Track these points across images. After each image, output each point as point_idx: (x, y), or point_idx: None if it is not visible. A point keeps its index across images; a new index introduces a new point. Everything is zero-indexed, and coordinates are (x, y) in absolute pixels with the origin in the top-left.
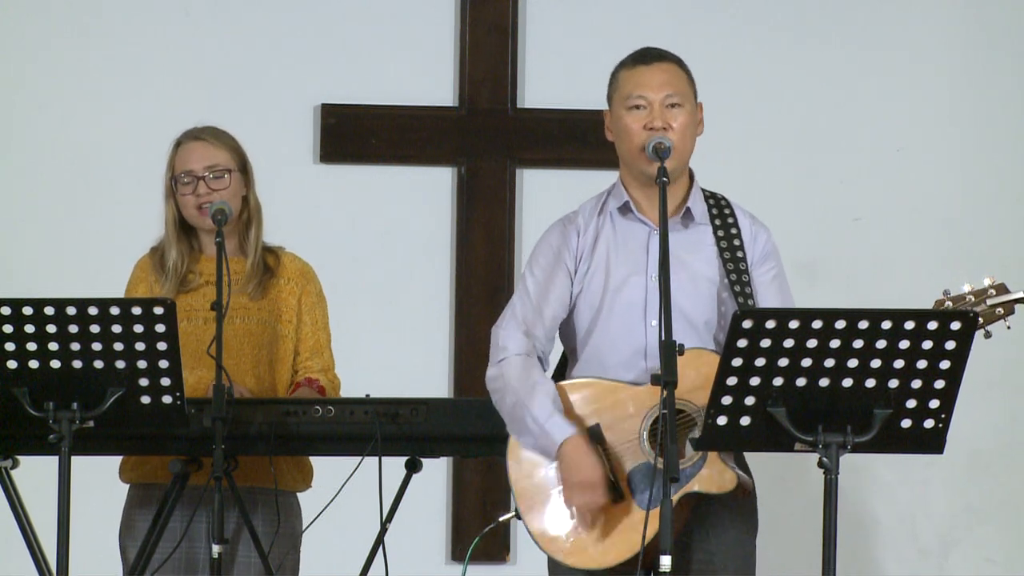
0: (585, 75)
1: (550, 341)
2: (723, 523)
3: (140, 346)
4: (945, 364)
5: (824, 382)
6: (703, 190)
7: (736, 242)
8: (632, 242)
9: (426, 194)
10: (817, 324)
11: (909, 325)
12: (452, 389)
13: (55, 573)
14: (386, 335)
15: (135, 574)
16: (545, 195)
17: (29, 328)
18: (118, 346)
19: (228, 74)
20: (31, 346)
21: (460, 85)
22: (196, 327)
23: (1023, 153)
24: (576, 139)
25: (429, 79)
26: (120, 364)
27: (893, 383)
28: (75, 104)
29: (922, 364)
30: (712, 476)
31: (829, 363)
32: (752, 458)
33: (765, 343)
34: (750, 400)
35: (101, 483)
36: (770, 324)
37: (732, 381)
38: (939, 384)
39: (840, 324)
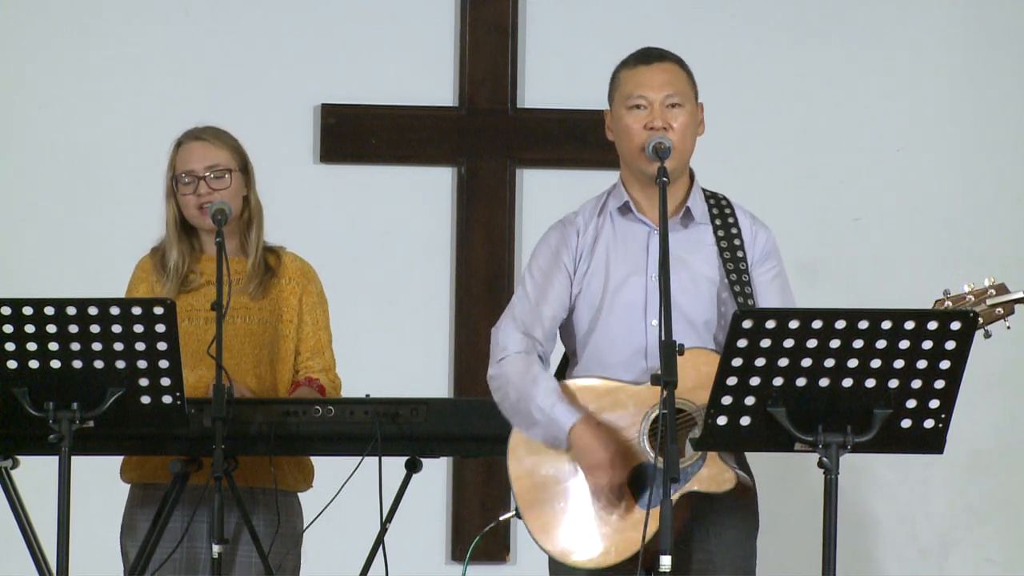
0: (585, 75)
1: (550, 342)
2: (723, 523)
3: (140, 346)
4: (945, 364)
5: (824, 382)
6: (704, 190)
7: (736, 242)
8: (632, 242)
9: (426, 194)
10: (817, 324)
11: (909, 325)
12: (452, 389)
13: (55, 573)
14: (386, 335)
15: (135, 574)
16: (545, 195)
17: (29, 328)
18: (118, 346)
19: (228, 74)
20: (31, 346)
21: (460, 85)
22: (197, 327)
23: (1023, 153)
24: (576, 139)
25: (429, 79)
26: (120, 364)
27: (893, 383)
28: (75, 104)
29: (922, 364)
30: (711, 475)
31: (829, 363)
32: (752, 458)
33: (765, 343)
34: (750, 400)
35: (101, 483)
36: (770, 324)
37: (732, 381)
38: (939, 384)
39: (840, 324)
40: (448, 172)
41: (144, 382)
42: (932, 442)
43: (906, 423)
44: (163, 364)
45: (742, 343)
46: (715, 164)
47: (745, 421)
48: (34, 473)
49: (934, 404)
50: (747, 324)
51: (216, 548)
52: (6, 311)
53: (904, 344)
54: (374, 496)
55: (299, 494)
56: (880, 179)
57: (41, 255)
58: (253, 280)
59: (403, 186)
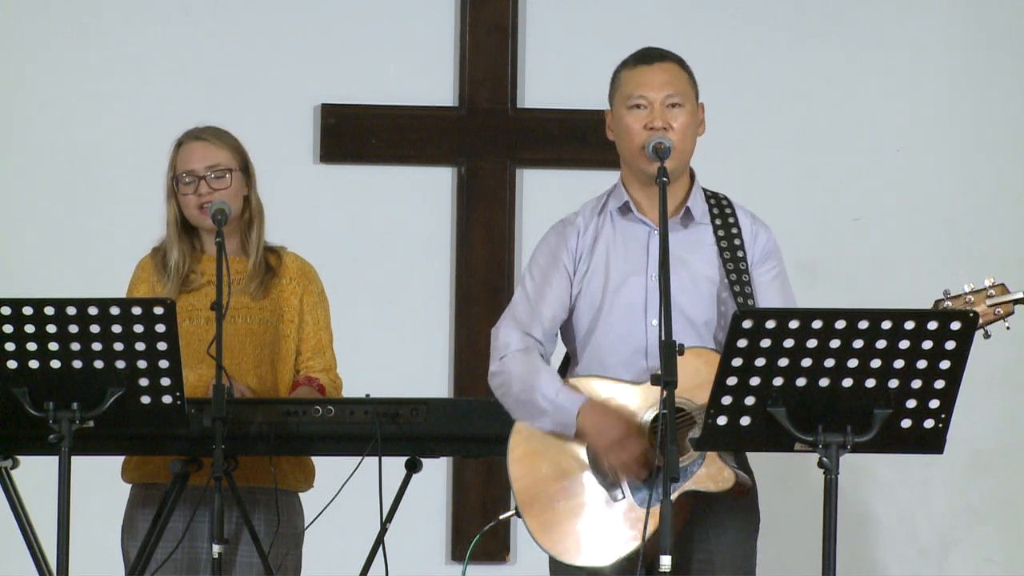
0: (585, 75)
1: (551, 342)
2: (724, 522)
3: (140, 346)
4: (945, 364)
5: (824, 382)
6: (704, 190)
7: (737, 241)
8: (632, 242)
9: (426, 194)
10: (817, 324)
11: (909, 325)
12: (452, 389)
13: (55, 573)
14: (386, 335)
15: (136, 574)
16: (545, 195)
17: (29, 328)
18: (118, 346)
19: (228, 74)
20: (31, 346)
21: (460, 85)
22: (198, 327)
23: (1023, 153)
24: (576, 139)
25: (429, 79)
26: (120, 364)
27: (893, 383)
28: (75, 104)
29: (922, 364)
30: (709, 474)
31: (829, 363)
32: (752, 458)
33: (765, 343)
34: (750, 400)
35: (101, 483)
36: (770, 324)
37: (732, 381)
38: (939, 384)
39: (840, 324)
40: (448, 172)
41: (144, 382)
42: (932, 442)
43: (906, 423)
44: (163, 364)
45: (742, 343)
46: (715, 164)
47: (745, 421)
48: (34, 473)
49: (934, 404)
50: (747, 324)
51: (216, 548)
52: (6, 311)
53: (904, 344)
54: (374, 496)
55: (300, 494)
56: (880, 179)
57: (41, 255)
58: (254, 280)
59: (403, 186)
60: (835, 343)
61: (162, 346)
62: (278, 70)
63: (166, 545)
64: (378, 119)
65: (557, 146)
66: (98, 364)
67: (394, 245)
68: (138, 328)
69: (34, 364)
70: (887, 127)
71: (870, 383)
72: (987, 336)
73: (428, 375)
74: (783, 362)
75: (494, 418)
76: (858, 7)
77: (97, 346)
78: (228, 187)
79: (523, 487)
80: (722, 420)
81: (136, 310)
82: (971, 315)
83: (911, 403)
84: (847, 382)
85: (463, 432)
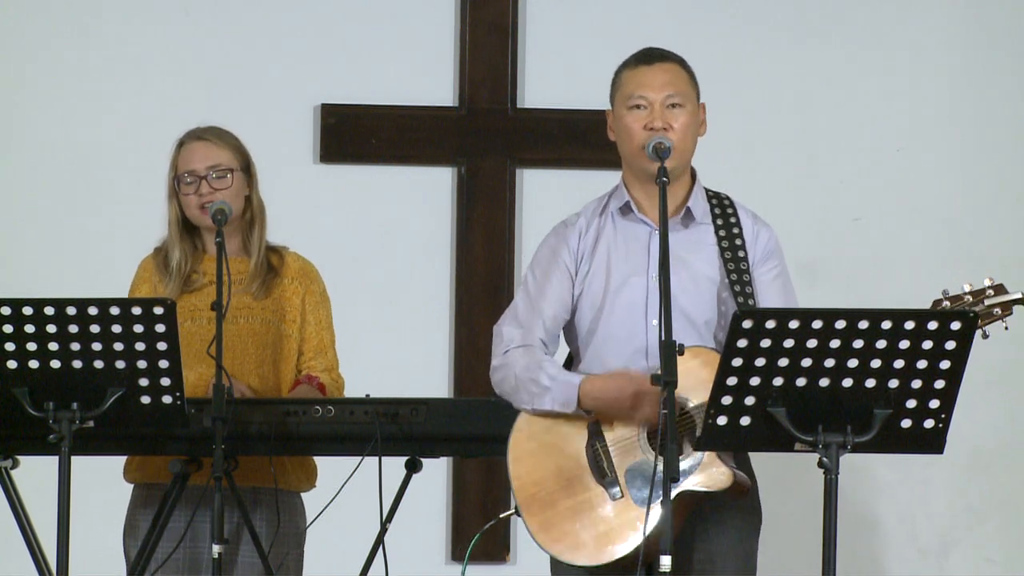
0: (585, 75)
1: (553, 342)
2: (724, 522)
3: (140, 346)
4: (945, 364)
5: (824, 382)
6: (706, 190)
7: (738, 241)
8: (633, 242)
9: (426, 194)
10: (817, 324)
11: (909, 325)
12: (452, 389)
13: (55, 573)
14: (386, 335)
15: (136, 574)
16: (545, 195)
17: (29, 328)
18: (118, 346)
19: (228, 74)
20: (31, 346)
21: (460, 85)
22: (200, 327)
23: (1023, 153)
24: (576, 139)
25: (429, 79)
26: (120, 364)
27: (893, 383)
28: (75, 104)
29: (922, 364)
30: (708, 474)
31: (829, 363)
32: (752, 458)
33: (765, 343)
34: (750, 400)
35: (101, 483)
36: (770, 324)
37: (732, 381)
38: (939, 384)
39: (840, 324)
40: (448, 172)
41: (144, 382)
42: (932, 442)
43: (906, 423)
44: (163, 364)
45: (742, 343)
46: (715, 164)
47: (745, 421)
48: (34, 473)
49: (934, 404)
50: (747, 324)
51: (216, 548)
52: (6, 311)
53: (904, 344)
54: (374, 496)
55: (302, 494)
56: (880, 179)
57: (41, 255)
58: (256, 280)
59: (403, 186)
60: (835, 343)
61: (162, 346)
62: (278, 70)
63: (167, 545)
64: (378, 119)
65: (557, 146)
66: (98, 364)
67: (394, 245)
68: (138, 328)
69: (34, 364)
70: (887, 127)
71: (870, 383)
72: (985, 336)
73: (428, 375)
74: (783, 362)
75: (494, 418)
76: (858, 7)
77: (97, 346)
78: (229, 187)
79: (523, 486)
80: (722, 420)
81: (136, 310)
82: (971, 315)
83: (911, 403)
84: (847, 382)
85: (463, 432)
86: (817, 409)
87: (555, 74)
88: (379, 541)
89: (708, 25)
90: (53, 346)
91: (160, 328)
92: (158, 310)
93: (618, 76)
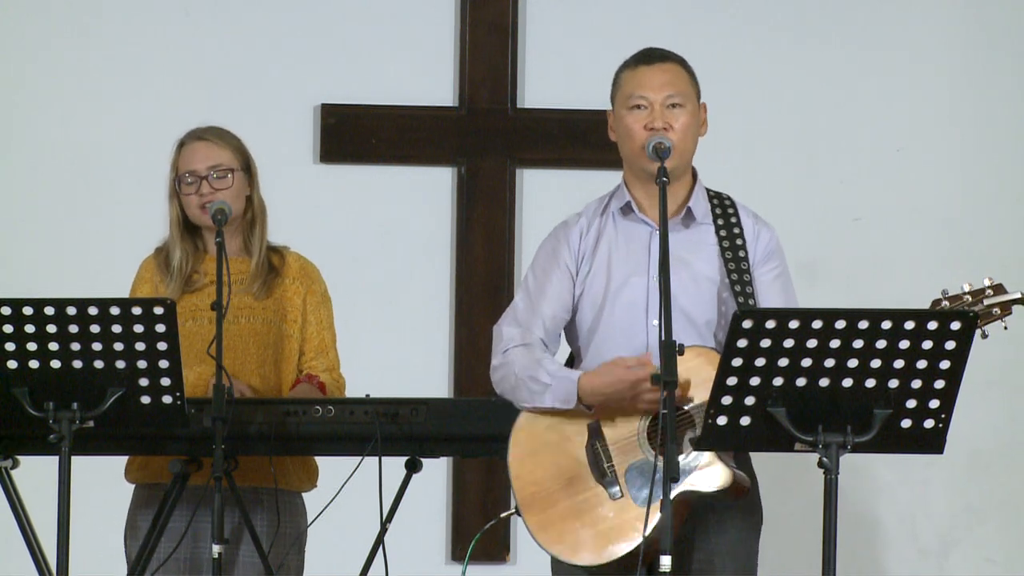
0: (585, 75)
1: (553, 341)
2: (724, 522)
3: (140, 346)
4: (945, 364)
5: (824, 382)
6: (708, 190)
7: (739, 241)
8: (634, 242)
9: (426, 194)
10: (817, 324)
11: (909, 325)
12: (452, 389)
13: (55, 573)
14: (386, 335)
15: (136, 574)
16: (545, 195)
17: (29, 328)
18: (118, 346)
19: (228, 74)
20: (31, 346)
21: (460, 85)
22: (201, 327)
23: (1023, 153)
24: (576, 139)
25: (429, 79)
26: (120, 364)
27: (893, 383)
28: (75, 104)
29: (922, 364)
30: (707, 474)
31: (829, 363)
32: (752, 458)
33: (765, 343)
34: (750, 400)
35: (101, 483)
36: (770, 324)
37: (732, 381)
38: (939, 384)
39: (840, 324)
40: (448, 172)
41: (144, 382)
42: (932, 442)
43: (906, 423)
44: (163, 364)
45: (742, 343)
46: (715, 164)
47: (745, 421)
48: (34, 473)
49: (934, 404)
50: (747, 324)
51: (216, 548)
52: (6, 311)
53: (904, 344)
54: (374, 496)
55: (303, 494)
56: (880, 179)
57: (41, 255)
58: (257, 280)
59: (403, 186)
60: (835, 343)
61: (162, 346)
62: (278, 70)
63: (167, 545)
64: (378, 119)
65: (557, 146)
66: (98, 364)
67: (394, 245)
68: (138, 328)
69: (34, 364)
70: (887, 127)
71: (870, 383)
72: (985, 336)
73: (428, 375)
74: (783, 362)
75: (494, 418)
76: (858, 7)
77: (97, 346)
78: (230, 187)
79: (523, 486)
80: (722, 420)
81: (136, 310)
82: (971, 315)
83: (911, 403)
84: (847, 382)
85: (463, 432)
86: (817, 409)
87: (555, 74)
88: (379, 541)
89: (708, 25)
90: (53, 346)
91: (160, 328)
92: (158, 310)
93: (618, 76)
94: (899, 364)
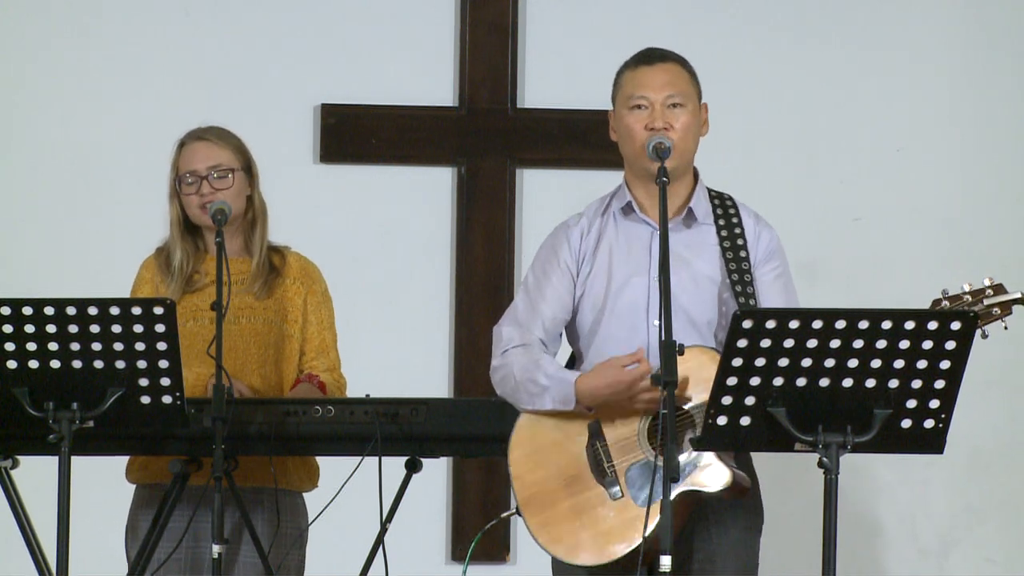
0: (585, 75)
1: (553, 342)
2: (725, 522)
3: (140, 346)
4: (945, 364)
5: (824, 382)
6: (709, 190)
7: (740, 241)
8: (635, 242)
9: (426, 194)
10: (817, 324)
11: (909, 325)
12: (452, 389)
13: (55, 573)
14: (386, 335)
15: (136, 574)
16: (545, 195)
17: (29, 328)
18: (118, 346)
19: (228, 74)
20: (31, 346)
21: (460, 85)
22: (202, 327)
23: (1023, 153)
24: (576, 139)
25: (429, 79)
26: (120, 364)
27: (893, 383)
28: (75, 104)
29: (922, 364)
30: (708, 474)
31: (829, 363)
32: (753, 458)
33: (765, 343)
34: (750, 400)
35: (101, 483)
36: (770, 324)
37: (732, 381)
38: (939, 384)
39: (840, 324)
40: (448, 172)
41: (144, 382)
42: (932, 442)
43: (906, 423)
44: (163, 364)
45: (742, 343)
46: (715, 164)
47: (745, 421)
48: (34, 473)
49: (934, 404)
50: (747, 324)
51: (216, 548)
52: (6, 311)
53: (904, 344)
54: (374, 496)
55: (304, 494)
56: (880, 179)
57: (41, 255)
58: (257, 280)
59: (403, 186)
60: (835, 343)
61: (162, 346)
62: (278, 70)
63: (167, 545)
64: (378, 119)
65: (557, 146)
66: (98, 364)
67: (394, 245)
68: (138, 328)
69: (34, 364)
70: (887, 127)
71: (870, 383)
72: (985, 336)
73: (428, 375)
74: (783, 362)
75: (494, 418)
76: (858, 7)
77: (97, 346)
78: (230, 187)
79: (523, 486)
80: (722, 420)
81: (136, 310)
82: (971, 315)
83: (911, 403)
84: (847, 382)
85: (463, 432)
86: (817, 409)
87: (555, 74)
88: (379, 541)
89: (708, 25)
90: (53, 346)
91: (160, 328)
92: (158, 310)
93: (619, 76)
94: (899, 364)
